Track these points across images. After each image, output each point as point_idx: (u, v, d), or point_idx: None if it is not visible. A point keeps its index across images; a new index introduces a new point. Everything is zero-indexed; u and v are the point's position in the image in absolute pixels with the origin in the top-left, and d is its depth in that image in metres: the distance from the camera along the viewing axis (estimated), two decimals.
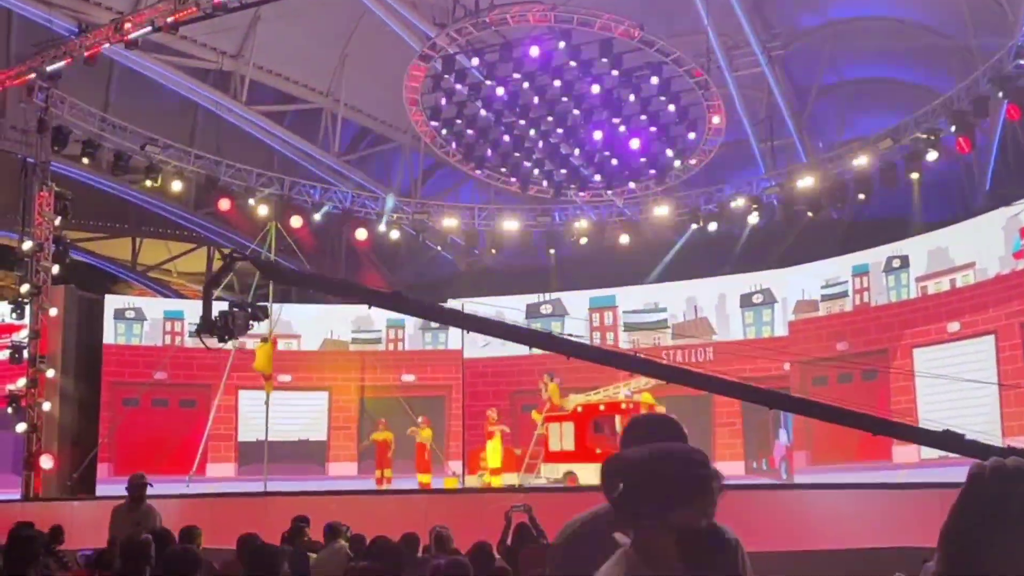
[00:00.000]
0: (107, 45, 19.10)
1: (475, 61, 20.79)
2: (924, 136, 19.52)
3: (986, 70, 18.17)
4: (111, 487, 21.61)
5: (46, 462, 20.20)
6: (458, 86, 21.65)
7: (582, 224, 25.07)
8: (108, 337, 23.71)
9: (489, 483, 19.79)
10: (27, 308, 20.54)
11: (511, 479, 19.65)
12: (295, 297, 27.88)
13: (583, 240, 25.16)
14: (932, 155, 19.45)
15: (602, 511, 3.06)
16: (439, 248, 26.80)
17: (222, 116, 24.33)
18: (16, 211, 21.62)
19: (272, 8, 20.14)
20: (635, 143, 22.19)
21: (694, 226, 23.76)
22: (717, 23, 20.37)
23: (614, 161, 23.12)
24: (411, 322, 25.76)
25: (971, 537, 1.60)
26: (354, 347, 25.53)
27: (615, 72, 20.32)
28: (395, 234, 25.43)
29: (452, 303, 25.65)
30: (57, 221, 20.91)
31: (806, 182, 21.74)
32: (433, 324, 25.81)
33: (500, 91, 21.45)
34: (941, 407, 19.13)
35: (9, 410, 20.43)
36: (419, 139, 24.82)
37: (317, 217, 24.71)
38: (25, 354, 20.43)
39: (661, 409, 20.57)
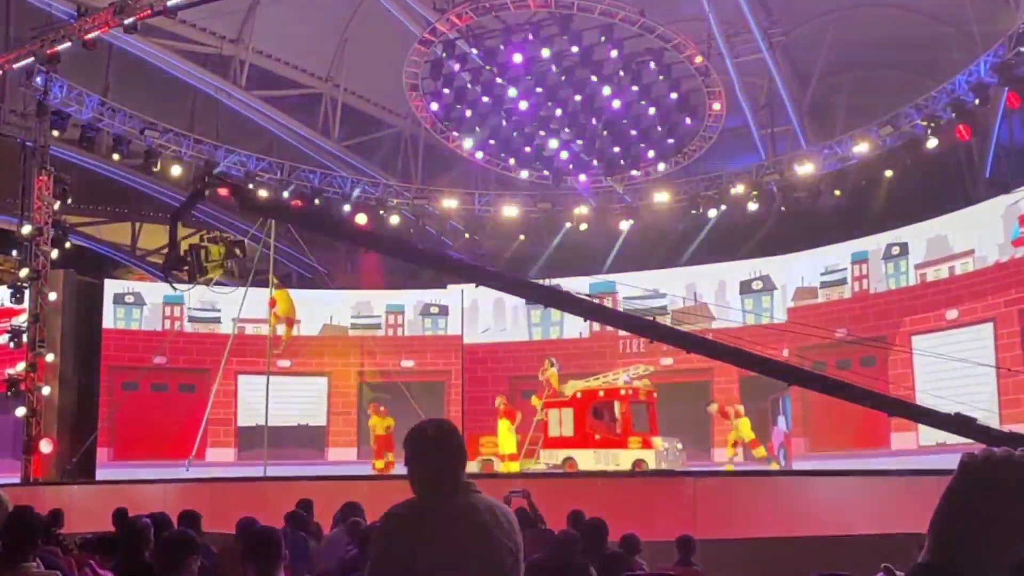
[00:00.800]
0: (106, 29, 19.03)
1: (475, 47, 20.75)
2: (924, 123, 19.50)
3: (987, 58, 18.13)
4: (110, 471, 21.69)
5: (45, 446, 20.22)
6: (458, 71, 21.61)
7: (582, 210, 25.05)
8: (107, 322, 23.73)
9: (508, 469, 19.70)
10: (26, 292, 20.53)
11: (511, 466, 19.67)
12: (295, 283, 27.91)
13: (583, 226, 25.15)
14: (932, 142, 19.43)
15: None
16: (439, 233, 26.78)
17: (221, 101, 24.27)
18: (15, 195, 21.58)
19: None
20: (635, 129, 22.17)
21: (693, 212, 23.74)
22: (718, 9, 20.32)
23: (615, 147, 23.09)
24: (410, 307, 25.78)
25: (960, 525, 1.61)
26: (353, 332, 25.55)
27: (615, 56, 20.29)
28: (395, 219, 25.40)
29: (452, 289, 25.72)
30: (56, 205, 20.88)
31: (806, 169, 21.72)
32: (432, 310, 25.84)
33: (500, 77, 21.42)
34: (939, 394, 19.15)
35: (8, 394, 20.46)
36: (419, 124, 24.78)
37: (316, 202, 24.66)
38: (24, 338, 20.43)
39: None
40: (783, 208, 22.76)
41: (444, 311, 25.79)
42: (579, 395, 19.97)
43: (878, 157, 20.69)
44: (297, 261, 27.57)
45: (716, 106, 21.67)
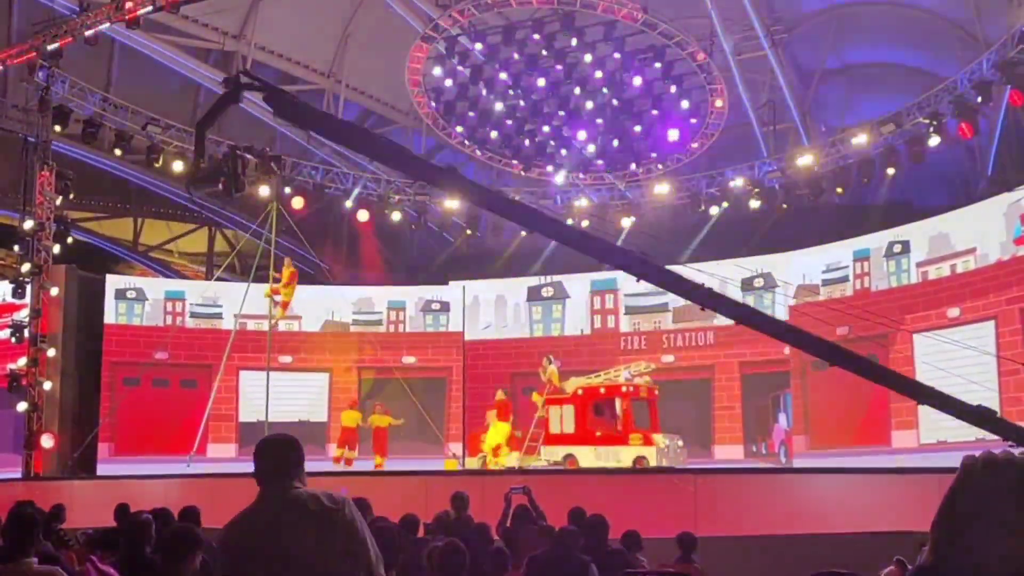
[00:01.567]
0: (108, 24, 19.04)
1: (477, 43, 20.74)
2: (926, 121, 19.49)
3: (989, 55, 18.12)
4: (112, 467, 21.72)
5: (47, 441, 20.26)
6: (460, 68, 21.61)
7: (583, 206, 25.04)
8: (109, 317, 23.73)
9: (491, 464, 19.83)
10: (28, 287, 20.56)
11: (513, 459, 19.67)
12: (298, 279, 27.90)
13: (584, 223, 25.11)
14: (934, 140, 19.42)
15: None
16: (440, 230, 26.78)
17: None
18: (17, 190, 21.60)
19: None
20: (637, 126, 22.18)
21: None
22: (720, 6, 20.30)
23: (616, 143, 23.08)
24: (411, 304, 25.78)
25: (961, 527, 1.62)
26: (355, 329, 25.55)
27: (617, 55, 20.29)
28: (396, 216, 25.40)
29: (453, 285, 25.73)
30: (58, 201, 20.91)
31: (808, 166, 21.71)
32: (434, 306, 25.84)
33: (502, 74, 21.42)
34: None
35: (10, 389, 20.48)
36: (421, 121, 24.78)
37: (319, 198, 24.67)
38: (26, 333, 20.45)
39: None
40: (785, 205, 22.74)
41: (445, 307, 25.79)
42: (580, 392, 19.97)
43: (880, 154, 20.68)
44: (298, 256, 27.57)
45: (718, 103, 21.67)
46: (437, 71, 21.95)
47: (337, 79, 24.80)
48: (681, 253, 24.70)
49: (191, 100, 25.27)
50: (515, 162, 24.32)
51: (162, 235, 31.94)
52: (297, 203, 23.97)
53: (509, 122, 22.86)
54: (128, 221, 30.78)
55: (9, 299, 21.32)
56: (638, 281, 8.03)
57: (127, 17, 18.65)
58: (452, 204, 25.42)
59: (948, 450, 18.29)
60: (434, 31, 20.98)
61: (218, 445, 23.68)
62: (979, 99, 18.36)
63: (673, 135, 22.53)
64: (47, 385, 20.67)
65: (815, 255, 22.33)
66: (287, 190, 23.95)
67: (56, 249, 21.03)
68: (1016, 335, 18.27)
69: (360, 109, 26.30)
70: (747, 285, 23.48)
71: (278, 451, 4.10)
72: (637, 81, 21.26)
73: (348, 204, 25.02)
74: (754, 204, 22.86)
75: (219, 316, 24.50)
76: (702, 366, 23.80)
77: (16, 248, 21.37)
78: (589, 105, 22.12)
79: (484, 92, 22.20)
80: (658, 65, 20.69)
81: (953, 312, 19.23)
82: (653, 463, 18.25)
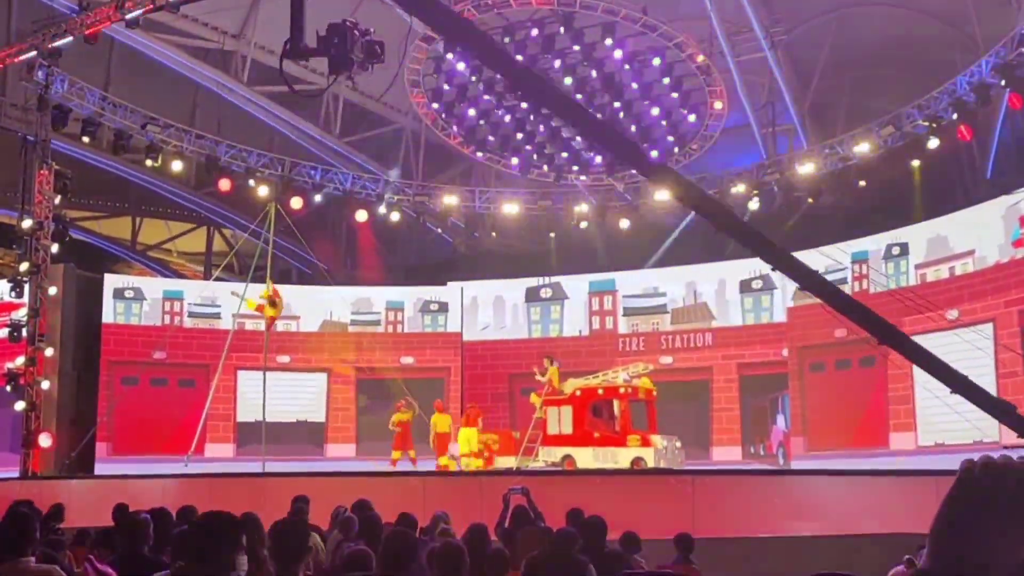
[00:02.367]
0: (108, 23, 19.02)
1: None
2: (926, 123, 19.51)
3: (989, 58, 18.13)
4: (110, 466, 21.70)
5: (45, 440, 20.23)
6: (460, 68, 21.61)
7: (582, 208, 25.05)
8: (107, 316, 23.72)
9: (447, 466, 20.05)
10: (26, 286, 20.53)
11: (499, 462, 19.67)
12: (295, 279, 27.92)
13: (583, 224, 25.16)
14: (933, 142, 19.44)
15: None
16: (439, 231, 26.78)
17: (223, 96, 24.27)
18: (16, 189, 21.58)
19: None
20: (636, 128, 22.17)
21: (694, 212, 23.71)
22: (720, 8, 20.30)
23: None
24: (410, 304, 25.79)
25: (960, 532, 1.61)
26: (353, 329, 25.55)
27: (618, 55, 20.29)
28: (395, 216, 25.40)
29: (452, 286, 25.73)
30: (57, 200, 20.88)
31: (807, 168, 21.73)
32: (432, 307, 25.83)
33: (501, 77, 21.40)
34: (939, 394, 19.16)
35: (8, 388, 20.46)
36: (420, 121, 24.78)
37: (317, 198, 24.67)
38: (24, 332, 20.43)
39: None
40: (784, 207, 22.76)
41: (444, 308, 25.80)
42: (578, 393, 19.97)
43: (879, 157, 20.69)
44: (297, 256, 27.58)
45: (717, 104, 21.67)
46: (436, 72, 21.93)
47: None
48: (680, 254, 24.74)
49: (190, 100, 25.26)
50: (513, 163, 24.31)
51: (160, 234, 31.95)
52: (296, 203, 23.97)
53: (508, 121, 22.85)
54: (127, 220, 30.79)
55: (7, 298, 21.29)
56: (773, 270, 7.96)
57: (127, 16, 18.62)
58: (451, 204, 25.42)
59: (946, 452, 18.31)
60: (433, 32, 20.95)
61: (216, 445, 23.67)
62: (978, 102, 18.38)
63: (672, 136, 22.56)
64: (45, 384, 20.64)
65: (813, 257, 22.29)
66: (286, 190, 23.91)
67: (54, 248, 21.00)
68: (1015, 337, 18.29)
69: (359, 109, 26.28)
70: (745, 286, 23.52)
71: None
72: (636, 84, 21.27)
73: (347, 204, 24.99)
74: (753, 206, 22.87)
75: (217, 316, 24.50)
76: (700, 368, 23.81)
77: (14, 247, 21.34)
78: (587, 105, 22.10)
79: (483, 93, 22.19)
80: (657, 63, 20.69)
81: (952, 314, 19.22)
82: (651, 464, 18.26)
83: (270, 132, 25.58)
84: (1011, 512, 1.59)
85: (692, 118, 22.07)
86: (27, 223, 20.50)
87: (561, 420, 19.76)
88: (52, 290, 21.13)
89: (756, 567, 10.93)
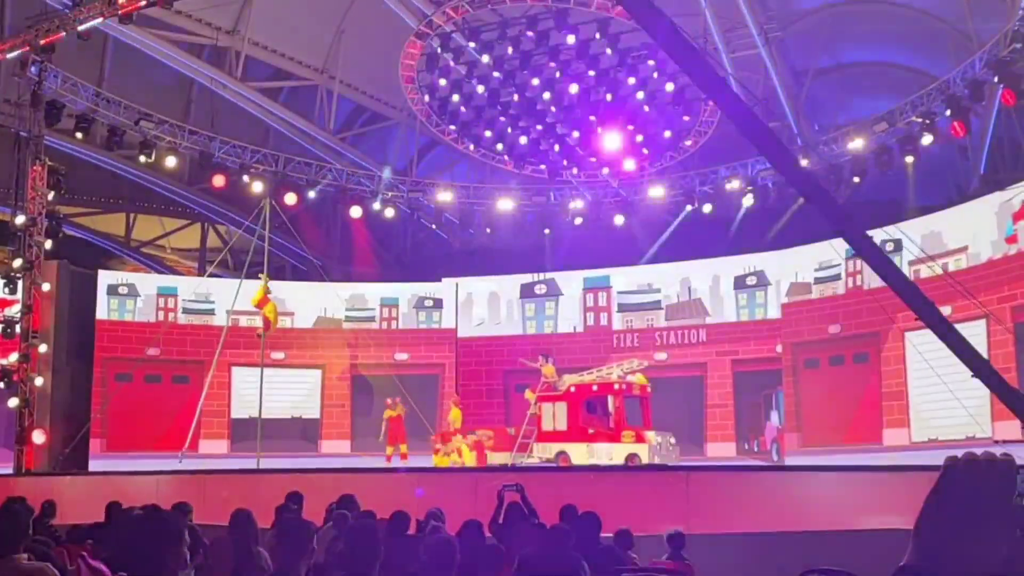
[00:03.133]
0: (101, 19, 18.97)
1: (471, 41, 20.73)
2: (919, 120, 19.54)
3: (982, 55, 18.16)
4: (103, 463, 21.68)
5: (38, 437, 20.20)
6: (454, 64, 21.59)
7: (577, 204, 25.05)
8: (101, 312, 23.69)
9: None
10: (20, 283, 20.48)
11: (503, 457, 19.67)
12: (289, 275, 27.89)
13: (578, 220, 25.16)
14: (927, 139, 19.46)
15: None
16: (434, 227, 26.76)
17: (217, 92, 24.22)
18: (9, 185, 21.53)
19: None
20: (631, 124, 22.18)
21: (689, 207, 23.76)
22: (714, 4, 20.30)
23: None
24: (404, 300, 25.79)
25: (943, 528, 1.62)
26: (348, 325, 25.54)
27: (611, 52, 20.28)
28: (390, 212, 25.38)
29: (446, 282, 25.73)
30: (50, 196, 20.83)
31: (801, 164, 21.70)
32: (427, 303, 25.83)
33: (496, 71, 21.42)
34: (932, 390, 19.22)
35: (1, 384, 20.42)
36: (415, 117, 24.75)
37: (312, 194, 24.64)
38: (17, 329, 20.39)
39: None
40: (777, 203, 22.78)
41: (438, 304, 25.80)
42: (573, 389, 19.99)
43: (872, 153, 20.71)
44: (291, 253, 27.55)
45: (711, 101, 21.63)
46: (430, 68, 21.92)
47: (331, 75, 24.76)
48: (674, 250, 24.75)
49: (184, 95, 25.22)
50: (508, 159, 24.31)
51: (155, 231, 31.87)
52: (290, 199, 23.94)
53: (502, 119, 22.84)
54: (120, 216, 30.71)
55: (1, 295, 21.24)
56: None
57: (120, 12, 18.58)
58: (445, 200, 25.40)
59: (939, 448, 18.37)
60: (428, 27, 20.95)
61: (210, 441, 23.67)
62: (972, 98, 18.40)
63: (667, 133, 22.56)
64: (38, 381, 20.61)
65: (807, 253, 22.37)
66: (279, 187, 23.88)
67: (48, 244, 20.95)
68: (1007, 333, 18.33)
69: (353, 105, 26.26)
70: (740, 283, 23.55)
71: None
72: (631, 79, 21.27)
73: (341, 200, 24.98)
74: (747, 202, 22.89)
75: (211, 312, 24.47)
76: (695, 364, 23.85)
77: (8, 244, 21.29)
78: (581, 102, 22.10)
79: (478, 89, 22.18)
80: (652, 63, 20.68)
81: (945, 310, 19.23)
82: (645, 460, 18.28)
83: (264, 128, 25.54)
84: (993, 508, 1.60)
85: (687, 116, 22.06)
86: (20, 219, 20.45)
87: (556, 416, 19.78)
88: (45, 286, 21.07)
89: (750, 563, 10.94)
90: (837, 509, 12.37)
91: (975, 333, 18.74)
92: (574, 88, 21.57)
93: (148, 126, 22.34)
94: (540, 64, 21.15)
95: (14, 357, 20.32)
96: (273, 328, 21.94)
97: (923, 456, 17.84)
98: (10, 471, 19.67)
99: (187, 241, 32.17)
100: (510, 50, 20.84)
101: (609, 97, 21.72)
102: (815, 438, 21.29)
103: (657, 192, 24.08)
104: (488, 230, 26.05)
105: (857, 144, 20.79)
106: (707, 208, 23.57)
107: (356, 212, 25.19)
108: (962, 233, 19.49)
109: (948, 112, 18.83)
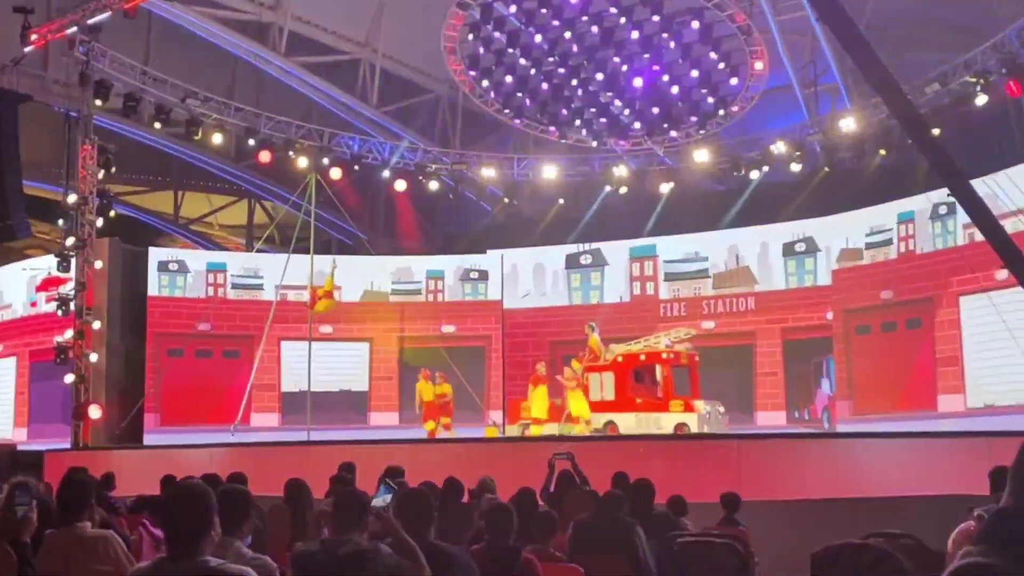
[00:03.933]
0: None
1: (513, 8, 20.57)
2: (973, 79, 19.10)
3: None
4: (157, 437, 22.04)
5: (94, 412, 20.58)
6: (496, 34, 21.46)
7: (622, 173, 24.87)
8: (152, 289, 23.97)
9: (531, 432, 19.78)
10: (73, 261, 20.81)
11: (552, 429, 19.67)
12: (335, 249, 28.04)
13: (623, 189, 24.98)
14: (981, 99, 19.04)
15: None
16: (477, 199, 26.73)
17: (261, 68, 24.33)
18: (60, 165, 21.82)
19: None
20: (676, 90, 21.92)
21: (735, 174, 23.50)
22: None
23: (654, 108, 22.85)
24: (450, 273, 25.83)
25: None
26: (394, 298, 25.65)
27: (656, 18, 20.03)
28: (434, 185, 25.39)
29: (491, 253, 25.72)
30: (100, 174, 21.10)
31: (850, 128, 21.38)
32: (472, 275, 25.85)
33: (538, 38, 21.26)
34: (988, 355, 18.92)
35: (57, 361, 20.79)
36: (457, 89, 24.68)
37: (356, 168, 24.71)
38: (72, 306, 20.72)
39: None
40: (827, 168, 22.45)
41: (484, 276, 25.81)
42: (620, 359, 19.91)
43: (925, 114, 20.30)
44: (336, 227, 27.68)
45: (758, 65, 21.34)
46: (473, 38, 21.81)
47: (373, 48, 24.75)
48: (721, 218, 24.51)
49: (229, 72, 25.34)
50: (552, 129, 24.16)
51: (202, 208, 32.20)
52: (335, 174, 24.04)
53: (545, 87, 22.68)
54: (169, 194, 31.05)
55: (55, 272, 21.60)
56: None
57: None
58: (489, 173, 25.35)
59: (995, 414, 18.08)
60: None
61: (261, 415, 23.94)
62: None
63: (712, 99, 22.28)
64: (93, 357, 20.97)
65: (858, 218, 22.04)
66: (325, 161, 23.99)
67: (99, 223, 21.25)
68: None
69: (396, 78, 26.23)
70: (788, 250, 23.28)
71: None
72: (674, 44, 21.01)
73: (386, 174, 25.05)
74: (795, 168, 22.59)
75: (260, 287, 24.69)
76: (743, 332, 23.65)
77: (60, 222, 21.62)
78: (625, 69, 21.88)
79: (520, 59, 22.04)
80: (696, 26, 20.41)
81: (1001, 274, 18.88)
82: (695, 430, 18.19)
83: (308, 103, 25.61)
84: None
85: (733, 80, 21.75)
86: (72, 198, 20.75)
87: (603, 386, 19.72)
88: (98, 264, 21.39)
89: (803, 529, 10.86)
90: (893, 476, 12.24)
91: None
92: (616, 56, 21.36)
93: (194, 103, 22.50)
94: (583, 31, 20.94)
95: (69, 334, 20.68)
96: (320, 311, 22.02)
97: (979, 422, 17.58)
98: (68, 446, 20.08)
99: (234, 218, 32.47)
100: (553, 20, 20.65)
101: (657, 68, 21.47)
102: (867, 405, 21.05)
103: (703, 159, 23.83)
104: (532, 201, 25.96)
105: None
106: (754, 174, 23.29)
107: (400, 186, 25.24)
108: (1018, 194, 19.02)
109: (1004, 71, 18.40)
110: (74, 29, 19.87)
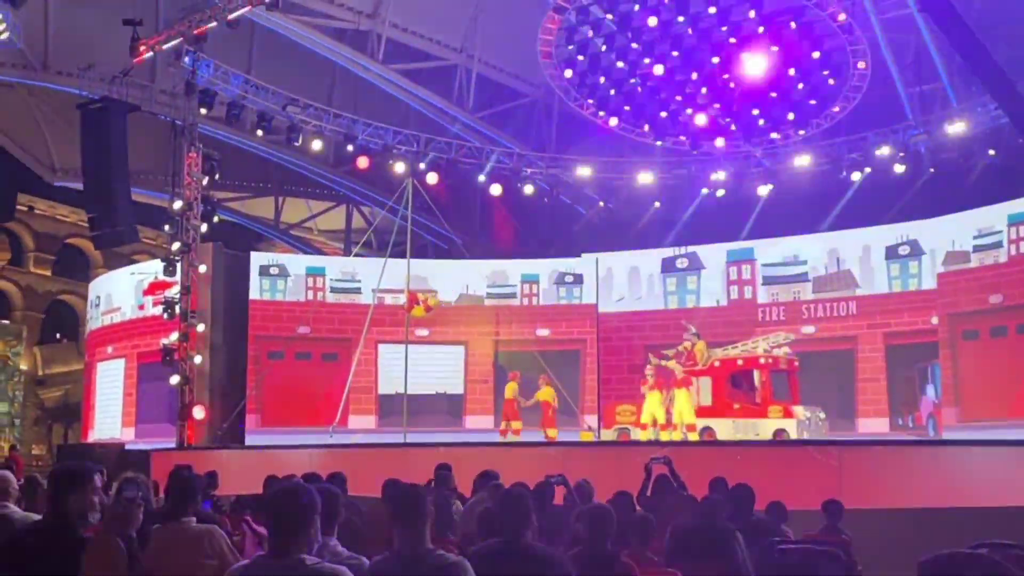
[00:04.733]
0: (249, 8, 19.55)
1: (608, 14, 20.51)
2: None
3: None
4: (258, 437, 22.51)
5: (198, 413, 21.13)
6: (592, 37, 21.42)
7: (719, 175, 24.55)
8: (254, 293, 24.51)
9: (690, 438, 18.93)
10: (178, 265, 21.40)
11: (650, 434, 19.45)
12: (431, 253, 28.31)
13: (720, 192, 24.66)
14: None
15: None
16: (572, 202, 26.70)
17: (359, 75, 24.71)
18: (166, 173, 22.47)
19: None
20: (775, 91, 21.57)
21: (837, 176, 23.00)
22: None
23: (754, 110, 22.52)
24: (545, 276, 25.82)
25: None
26: (489, 302, 25.76)
27: (755, 17, 19.75)
28: (529, 189, 25.43)
29: (586, 257, 25.65)
30: (205, 181, 21.67)
31: (957, 128, 20.75)
32: (567, 279, 25.80)
33: (635, 45, 21.14)
34: None
35: (163, 363, 21.39)
36: (553, 93, 24.70)
37: (452, 173, 24.90)
38: (177, 309, 21.30)
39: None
40: (932, 169, 21.82)
41: (579, 280, 25.74)
42: (717, 364, 19.64)
43: None
44: (432, 232, 27.94)
45: (860, 64, 20.86)
46: (568, 42, 21.79)
47: (469, 54, 24.93)
48: (821, 221, 24.02)
49: (328, 79, 25.81)
50: (648, 132, 23.99)
51: (302, 213, 32.85)
52: (431, 179, 24.27)
53: (641, 90, 22.54)
54: (269, 200, 31.75)
55: (161, 277, 22.24)
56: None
57: (266, 0, 19.12)
58: (584, 175, 25.29)
59: None
60: (565, 1, 20.81)
61: (359, 417, 24.25)
62: None
63: (813, 100, 21.86)
64: (197, 359, 21.53)
65: (965, 220, 21.35)
66: (421, 166, 24.24)
67: (204, 228, 21.81)
68: None
69: (492, 83, 26.38)
70: (892, 253, 22.68)
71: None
72: (774, 47, 20.68)
73: (481, 178, 25.19)
74: (899, 169, 22.00)
75: (358, 291, 25.04)
76: (844, 337, 23.11)
77: (167, 228, 22.26)
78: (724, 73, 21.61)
79: (616, 61, 21.94)
80: (794, 26, 20.06)
81: None
82: (794, 436, 17.83)
83: (405, 109, 25.93)
84: None
85: (833, 80, 21.30)
86: (178, 204, 21.34)
87: (700, 391, 19.46)
88: (202, 268, 21.95)
89: (911, 538, 10.56)
90: (1002, 484, 11.81)
91: None
92: (715, 56, 21.12)
93: (294, 111, 22.96)
94: (679, 33, 20.76)
95: (175, 336, 21.26)
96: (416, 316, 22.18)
97: None
98: (173, 445, 20.64)
99: (333, 223, 33.04)
100: (648, 23, 20.51)
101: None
102: (975, 412, 20.36)
103: (803, 161, 23.38)
104: (628, 204, 25.82)
105: None
106: (856, 176, 22.75)
107: (496, 190, 25.35)
108: None
109: None
110: (180, 40, 20.45)
